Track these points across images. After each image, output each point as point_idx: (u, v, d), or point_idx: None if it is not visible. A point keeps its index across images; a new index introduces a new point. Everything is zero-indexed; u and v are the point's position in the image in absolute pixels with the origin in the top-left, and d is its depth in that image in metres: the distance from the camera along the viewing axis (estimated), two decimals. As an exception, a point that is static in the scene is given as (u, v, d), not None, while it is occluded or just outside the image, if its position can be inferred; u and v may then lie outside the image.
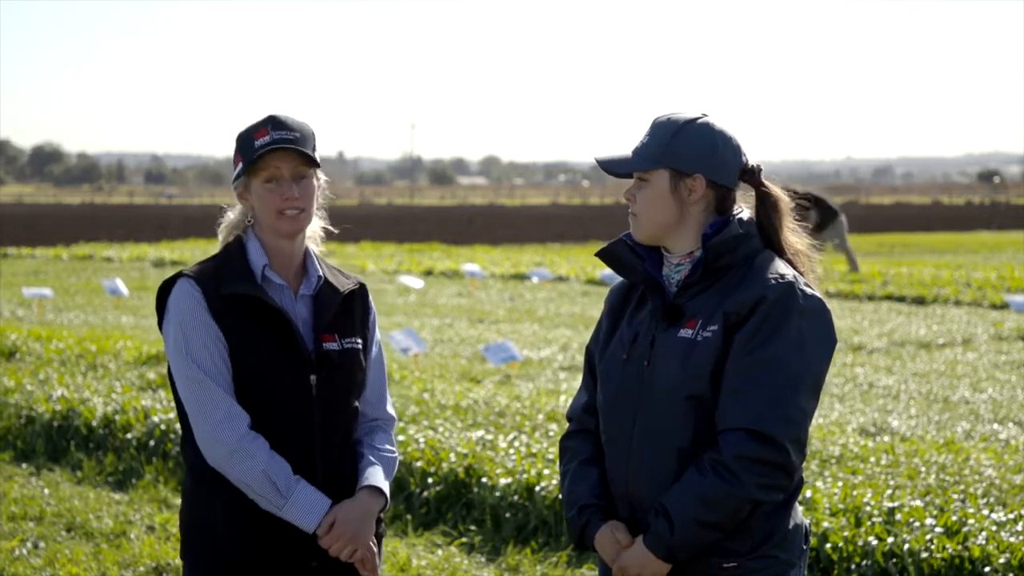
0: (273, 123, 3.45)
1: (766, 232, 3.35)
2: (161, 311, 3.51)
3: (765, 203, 3.36)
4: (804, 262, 3.37)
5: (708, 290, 3.28)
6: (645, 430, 3.29)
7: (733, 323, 3.21)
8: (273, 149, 3.41)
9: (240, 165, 3.48)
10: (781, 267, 3.28)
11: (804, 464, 7.44)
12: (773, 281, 3.22)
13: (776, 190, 3.38)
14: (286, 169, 3.45)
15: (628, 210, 3.37)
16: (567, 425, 3.57)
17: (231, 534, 3.43)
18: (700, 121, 3.33)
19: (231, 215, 3.59)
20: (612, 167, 3.39)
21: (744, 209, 3.37)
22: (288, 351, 3.44)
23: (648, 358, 3.30)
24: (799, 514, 3.33)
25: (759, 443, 3.14)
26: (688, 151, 3.29)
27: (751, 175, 3.37)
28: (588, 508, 3.38)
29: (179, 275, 3.49)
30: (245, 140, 3.47)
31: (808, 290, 3.25)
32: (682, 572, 3.25)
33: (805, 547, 3.35)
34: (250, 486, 3.38)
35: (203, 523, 3.48)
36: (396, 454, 3.66)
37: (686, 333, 3.26)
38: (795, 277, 3.26)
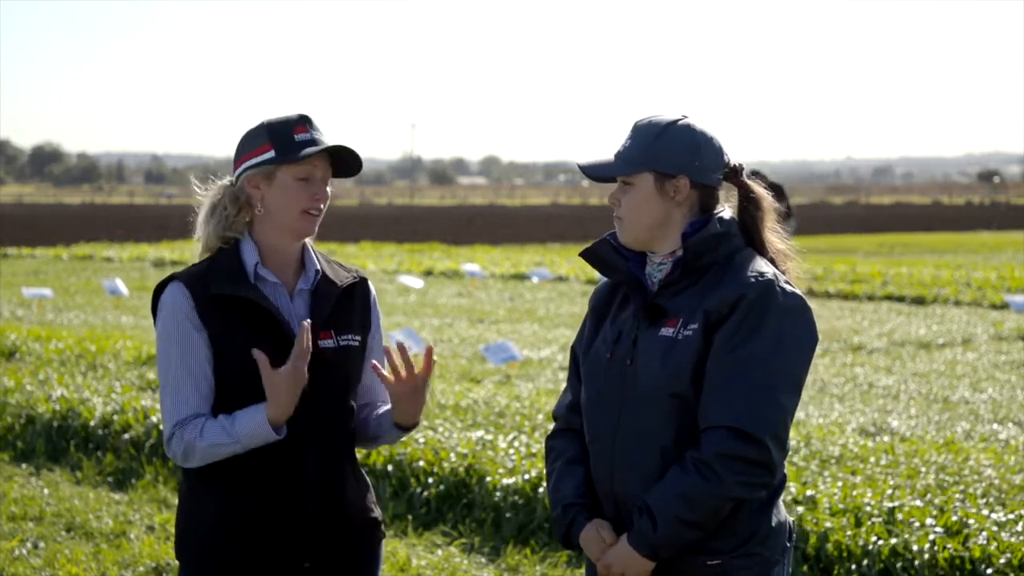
0: (308, 122, 3.43)
1: (748, 231, 3.36)
2: (156, 314, 3.49)
3: (748, 202, 3.38)
4: (785, 261, 3.38)
5: (689, 288, 3.28)
6: (628, 429, 3.30)
7: (714, 321, 3.22)
8: (321, 148, 3.37)
9: (270, 153, 3.39)
10: (761, 265, 3.28)
11: (804, 464, 7.50)
12: (753, 279, 3.23)
13: (758, 189, 3.40)
14: (320, 170, 3.43)
15: (613, 214, 3.37)
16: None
17: (222, 534, 3.42)
18: (681, 123, 3.33)
19: (210, 212, 3.47)
20: (595, 172, 3.37)
21: (726, 208, 3.38)
22: (280, 351, 3.38)
23: (631, 357, 3.30)
24: (782, 511, 3.34)
25: (740, 441, 3.14)
26: (671, 153, 3.30)
27: (734, 174, 3.37)
28: (573, 507, 3.39)
29: (171, 277, 3.45)
30: (282, 130, 3.40)
31: (788, 288, 3.26)
32: (667, 570, 3.25)
33: (789, 544, 3.35)
34: (213, 456, 3.35)
35: (195, 523, 3.47)
36: None
37: (667, 332, 3.26)
38: (775, 275, 3.26)
